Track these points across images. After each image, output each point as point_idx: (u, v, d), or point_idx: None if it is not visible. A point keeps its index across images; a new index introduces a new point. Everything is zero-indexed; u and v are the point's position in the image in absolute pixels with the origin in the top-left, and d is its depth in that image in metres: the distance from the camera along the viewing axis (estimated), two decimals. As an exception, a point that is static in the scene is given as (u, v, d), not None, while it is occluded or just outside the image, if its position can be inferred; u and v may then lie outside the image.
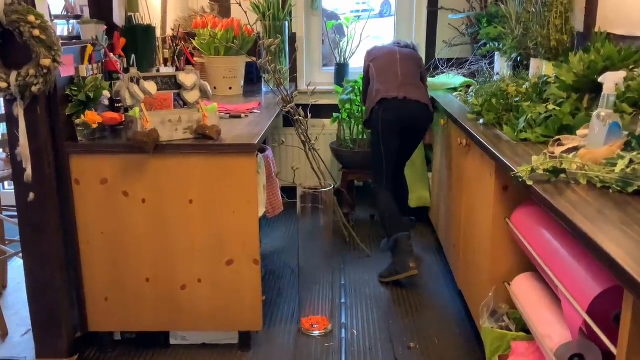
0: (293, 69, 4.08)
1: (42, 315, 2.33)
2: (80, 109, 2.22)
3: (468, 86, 3.54)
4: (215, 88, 3.40)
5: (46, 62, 2.00)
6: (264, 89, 3.67)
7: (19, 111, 2.08)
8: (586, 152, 1.70)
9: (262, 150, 2.72)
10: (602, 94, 1.75)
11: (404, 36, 4.26)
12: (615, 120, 1.71)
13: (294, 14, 4.06)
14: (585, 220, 1.36)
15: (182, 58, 3.44)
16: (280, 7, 3.71)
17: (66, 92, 2.21)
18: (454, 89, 3.55)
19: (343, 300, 2.91)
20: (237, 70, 3.49)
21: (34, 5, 2.06)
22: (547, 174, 1.65)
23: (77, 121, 2.22)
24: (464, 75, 3.74)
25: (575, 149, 1.82)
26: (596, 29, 2.51)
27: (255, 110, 2.96)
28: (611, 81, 1.73)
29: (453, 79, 3.69)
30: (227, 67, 3.44)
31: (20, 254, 2.73)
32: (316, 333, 2.59)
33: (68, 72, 2.21)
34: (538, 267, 1.83)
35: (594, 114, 1.75)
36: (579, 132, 1.94)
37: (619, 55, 2.10)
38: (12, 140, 2.16)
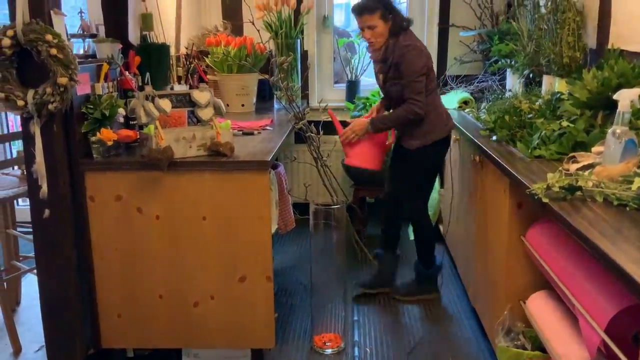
0: (305, 86, 4.10)
1: (55, 331, 2.33)
2: (96, 127, 2.24)
3: (466, 102, 3.55)
4: (227, 105, 3.42)
5: (63, 80, 2.02)
6: (275, 105, 3.70)
7: (36, 129, 2.10)
8: (602, 169, 1.69)
9: (274, 167, 2.73)
10: (618, 111, 1.74)
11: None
12: (630, 137, 1.70)
13: (306, 32, 4.09)
14: (602, 238, 1.35)
15: (195, 76, 3.48)
16: (292, 25, 3.74)
17: (82, 110, 2.23)
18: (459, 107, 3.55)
19: (356, 318, 2.89)
20: (249, 87, 3.52)
21: (51, 25, 2.08)
22: (563, 191, 1.64)
23: (93, 139, 2.24)
24: (472, 92, 3.74)
25: (591, 166, 1.81)
26: (609, 46, 2.50)
27: (267, 127, 2.98)
28: (626, 98, 1.73)
29: (457, 95, 3.69)
30: (240, 84, 3.47)
31: (34, 270, 2.75)
32: (329, 351, 2.58)
33: (84, 90, 2.23)
34: (554, 285, 1.81)
35: (610, 131, 1.75)
36: (594, 149, 1.93)
37: (633, 72, 2.10)
38: (28, 158, 2.17)
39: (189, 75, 3.38)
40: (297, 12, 3.83)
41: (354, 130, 2.89)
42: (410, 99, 2.72)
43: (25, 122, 2.14)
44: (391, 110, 2.93)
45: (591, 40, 2.70)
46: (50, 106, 2.05)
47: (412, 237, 3.90)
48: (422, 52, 2.75)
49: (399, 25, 2.75)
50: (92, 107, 2.23)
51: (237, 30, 4.03)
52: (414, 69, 2.69)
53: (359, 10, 2.75)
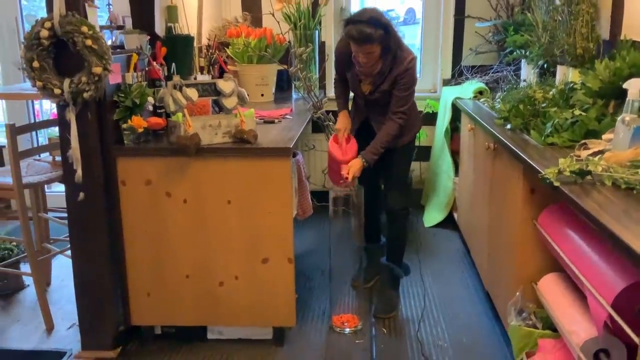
0: (323, 77, 4.20)
1: (88, 309, 2.46)
2: (127, 114, 2.35)
3: (481, 92, 3.62)
4: (247, 95, 3.52)
5: (97, 70, 2.14)
6: (294, 95, 3.79)
7: (71, 116, 2.21)
8: (611, 154, 1.77)
9: (294, 155, 2.82)
10: (627, 99, 1.82)
11: (431, 43, 4.35)
12: (639, 124, 1.77)
13: (324, 23, 4.17)
14: (611, 219, 1.43)
15: (216, 66, 3.58)
16: (311, 16, 3.83)
17: (114, 99, 2.34)
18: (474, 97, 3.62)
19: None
20: (269, 77, 3.61)
21: (85, 17, 2.19)
22: (574, 175, 1.72)
23: (124, 126, 2.35)
24: (487, 82, 3.81)
25: (601, 152, 1.89)
26: (622, 37, 2.56)
27: (287, 116, 3.07)
28: (636, 87, 1.81)
29: (472, 85, 3.76)
30: (260, 74, 3.56)
31: (65, 252, 2.88)
32: (347, 330, 2.68)
33: (116, 79, 2.34)
34: (565, 266, 1.90)
35: (619, 118, 1.82)
36: (605, 136, 2.01)
37: (644, 63, 2.16)
38: (64, 144, 2.29)
39: (211, 65, 3.48)
40: (315, 4, 3.92)
41: (356, 175, 2.67)
42: (398, 113, 2.66)
43: (61, 109, 2.26)
44: (378, 131, 2.76)
45: (604, 32, 2.76)
46: (85, 94, 2.16)
47: (427, 225, 3.99)
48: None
49: (395, 42, 2.59)
50: (123, 95, 2.34)
51: (257, 21, 4.12)
52: (413, 82, 2.66)
53: (361, 41, 2.48)
